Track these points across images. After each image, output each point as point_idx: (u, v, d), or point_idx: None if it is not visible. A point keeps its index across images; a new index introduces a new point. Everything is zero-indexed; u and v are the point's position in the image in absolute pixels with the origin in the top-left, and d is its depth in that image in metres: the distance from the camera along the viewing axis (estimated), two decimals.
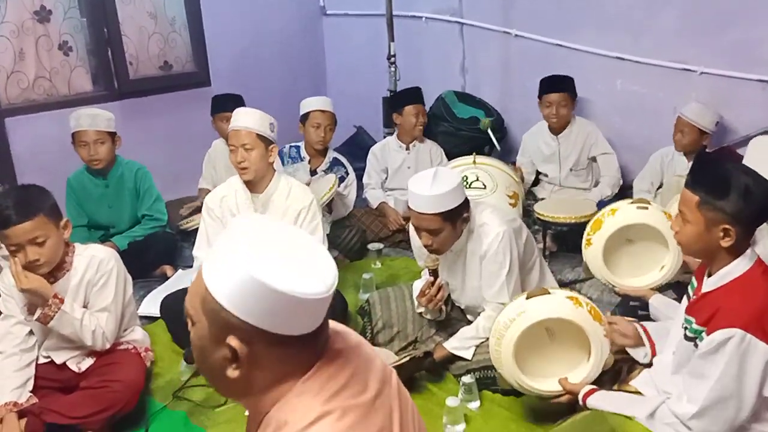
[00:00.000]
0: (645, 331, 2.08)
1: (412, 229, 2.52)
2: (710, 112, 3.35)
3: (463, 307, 2.70)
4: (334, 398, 1.04)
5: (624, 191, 3.91)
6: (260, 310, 0.99)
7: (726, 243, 1.67)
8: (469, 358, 2.50)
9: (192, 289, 1.06)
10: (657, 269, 2.45)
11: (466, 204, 2.39)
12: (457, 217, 2.36)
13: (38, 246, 2.19)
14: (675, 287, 2.47)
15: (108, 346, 2.38)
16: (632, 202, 2.47)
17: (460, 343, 2.52)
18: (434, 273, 2.49)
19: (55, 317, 2.25)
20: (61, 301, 2.26)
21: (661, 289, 2.40)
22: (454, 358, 2.54)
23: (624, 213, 2.45)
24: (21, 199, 2.19)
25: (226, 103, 3.84)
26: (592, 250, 2.49)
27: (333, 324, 1.15)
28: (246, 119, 2.71)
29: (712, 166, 1.74)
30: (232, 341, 1.00)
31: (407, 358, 2.45)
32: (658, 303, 2.25)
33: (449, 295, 2.63)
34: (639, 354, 2.09)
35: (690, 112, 3.36)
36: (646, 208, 2.42)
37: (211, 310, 1.01)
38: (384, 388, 1.14)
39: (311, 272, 1.03)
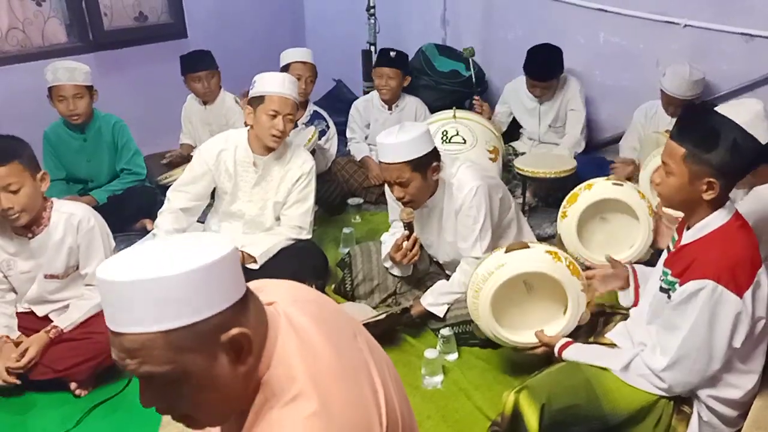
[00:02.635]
0: (634, 273, 2.09)
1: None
2: (694, 81, 3.26)
3: (441, 262, 2.72)
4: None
5: (601, 145, 3.93)
6: (226, 287, 0.99)
7: (709, 196, 1.66)
8: (441, 316, 2.52)
9: (142, 359, 0.96)
10: (627, 247, 2.51)
11: (435, 153, 2.37)
12: (426, 166, 2.34)
13: (12, 193, 2.16)
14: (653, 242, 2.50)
15: None
16: (608, 179, 2.52)
17: (435, 299, 2.53)
18: (409, 227, 2.49)
19: (66, 330, 2.33)
20: (57, 329, 2.32)
21: None
22: (431, 314, 2.55)
23: (600, 188, 2.51)
24: None
25: (196, 63, 3.77)
26: (567, 222, 2.54)
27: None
28: (293, 88, 2.69)
29: (701, 118, 1.71)
30: (234, 331, 0.98)
31: (383, 315, 2.47)
32: None
33: (421, 251, 2.64)
34: (626, 298, 2.10)
35: (677, 88, 3.27)
36: (622, 185, 2.48)
37: (193, 340, 0.96)
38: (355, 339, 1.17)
39: (215, 241, 1.03)
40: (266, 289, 1.16)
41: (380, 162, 2.39)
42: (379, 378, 1.13)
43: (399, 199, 2.40)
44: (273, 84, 2.65)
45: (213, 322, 0.97)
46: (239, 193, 2.83)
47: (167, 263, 0.96)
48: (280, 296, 1.15)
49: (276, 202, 2.80)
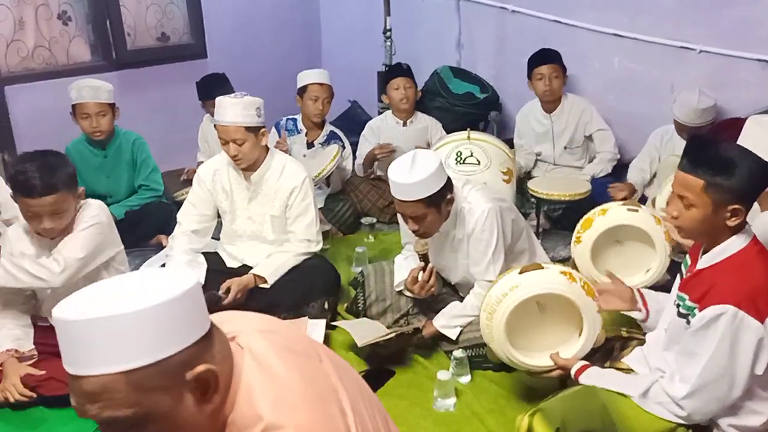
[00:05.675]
0: (641, 294, 2.08)
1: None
2: (702, 109, 3.25)
3: (453, 283, 2.72)
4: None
5: (619, 170, 3.92)
6: (190, 323, 0.97)
7: (733, 222, 1.65)
8: (454, 339, 2.51)
9: (103, 403, 0.92)
10: (643, 272, 2.48)
11: (448, 185, 2.37)
12: (441, 199, 2.34)
13: (57, 216, 2.23)
14: (669, 267, 2.47)
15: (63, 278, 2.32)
16: (623, 204, 2.50)
17: (447, 321, 2.53)
18: (424, 258, 2.48)
19: None
20: None
21: None
22: (443, 336, 2.55)
23: (614, 213, 2.48)
24: (46, 170, 2.19)
25: (212, 90, 3.79)
26: (581, 248, 2.51)
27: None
28: (232, 114, 2.63)
29: (712, 147, 1.70)
30: (200, 368, 0.96)
31: (394, 334, 2.47)
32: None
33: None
34: (638, 315, 2.07)
35: (685, 116, 3.27)
36: (637, 210, 2.45)
37: (157, 380, 0.93)
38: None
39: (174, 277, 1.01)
40: (229, 322, 1.15)
41: (394, 197, 2.38)
42: (349, 401, 1.11)
43: (414, 231, 2.40)
44: (218, 114, 2.68)
45: (177, 360, 0.94)
46: (237, 211, 2.87)
47: (126, 300, 0.92)
48: (243, 327, 1.14)
49: (273, 216, 2.83)
